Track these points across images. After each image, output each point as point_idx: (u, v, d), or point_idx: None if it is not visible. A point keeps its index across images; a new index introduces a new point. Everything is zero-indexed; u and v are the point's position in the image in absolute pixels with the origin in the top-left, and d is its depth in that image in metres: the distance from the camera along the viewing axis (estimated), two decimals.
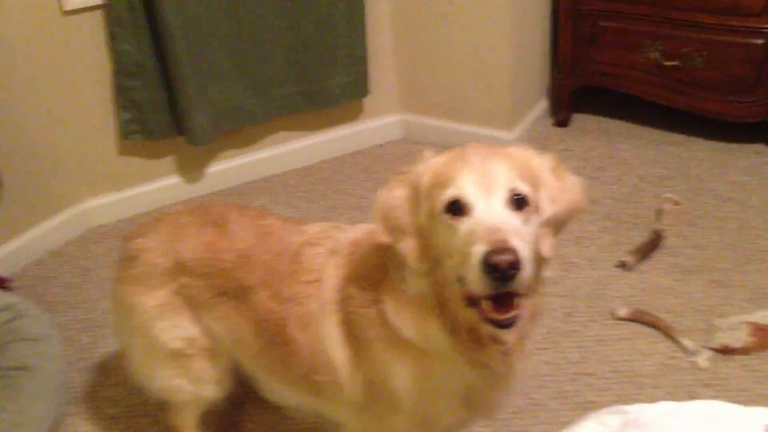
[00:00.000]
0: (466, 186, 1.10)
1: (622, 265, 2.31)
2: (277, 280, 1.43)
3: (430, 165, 1.18)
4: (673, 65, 2.75)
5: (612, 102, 3.18)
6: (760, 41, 2.57)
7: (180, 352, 1.55)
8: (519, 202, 1.11)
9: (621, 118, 3.16)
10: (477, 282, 1.04)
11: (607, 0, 2.82)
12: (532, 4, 2.94)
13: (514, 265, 1.02)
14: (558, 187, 1.19)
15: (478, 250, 1.03)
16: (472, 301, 1.12)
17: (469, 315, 1.17)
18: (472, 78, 2.93)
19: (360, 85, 2.93)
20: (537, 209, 1.14)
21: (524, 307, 1.13)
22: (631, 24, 2.81)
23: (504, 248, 1.02)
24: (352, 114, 3.09)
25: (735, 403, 1.79)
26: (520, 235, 1.08)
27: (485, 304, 1.09)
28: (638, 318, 2.11)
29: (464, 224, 1.09)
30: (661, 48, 2.76)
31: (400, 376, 1.30)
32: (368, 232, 1.40)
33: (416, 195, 1.17)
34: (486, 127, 2.98)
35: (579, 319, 2.14)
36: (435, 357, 1.26)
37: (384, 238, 1.24)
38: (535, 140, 3.06)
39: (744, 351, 1.96)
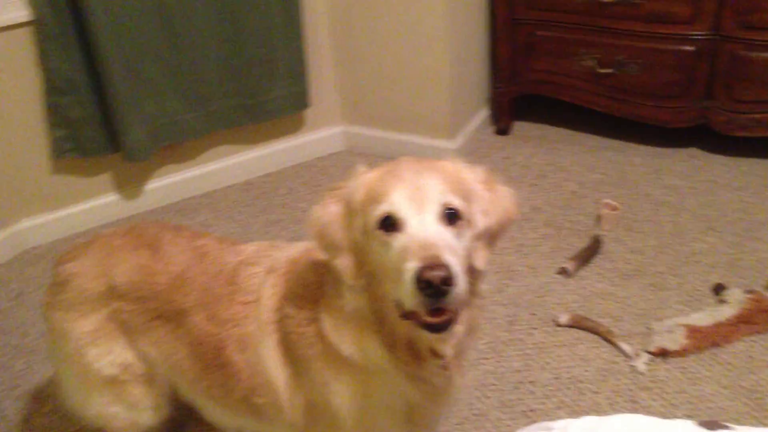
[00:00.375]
0: (398, 202, 1.10)
1: (563, 272, 2.34)
2: (213, 302, 1.40)
3: (362, 180, 1.18)
4: (607, 72, 2.81)
5: (552, 109, 3.23)
6: (689, 48, 2.64)
7: (115, 378, 1.51)
8: (451, 217, 1.11)
9: (561, 125, 3.22)
10: (410, 298, 1.04)
11: (542, 9, 2.86)
12: (469, 14, 2.97)
13: (447, 281, 1.02)
14: (490, 200, 1.19)
15: (411, 266, 1.03)
16: (407, 314, 1.12)
17: (406, 328, 1.16)
18: (412, 88, 2.94)
19: (300, 98, 2.91)
20: (470, 222, 1.14)
21: (459, 315, 1.13)
22: (566, 33, 2.85)
23: (436, 264, 1.02)
24: (293, 127, 3.07)
25: (672, 405, 1.83)
26: (453, 250, 1.08)
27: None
28: (579, 324, 2.13)
29: (397, 240, 1.08)
30: (595, 56, 2.81)
31: (341, 394, 1.28)
32: (305, 250, 1.38)
33: (350, 211, 1.17)
34: (427, 136, 2.99)
35: (521, 327, 2.16)
36: (375, 374, 1.25)
37: (320, 255, 1.22)
38: (476, 149, 3.09)
39: (680, 353, 2.00)
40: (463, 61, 2.99)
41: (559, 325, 2.14)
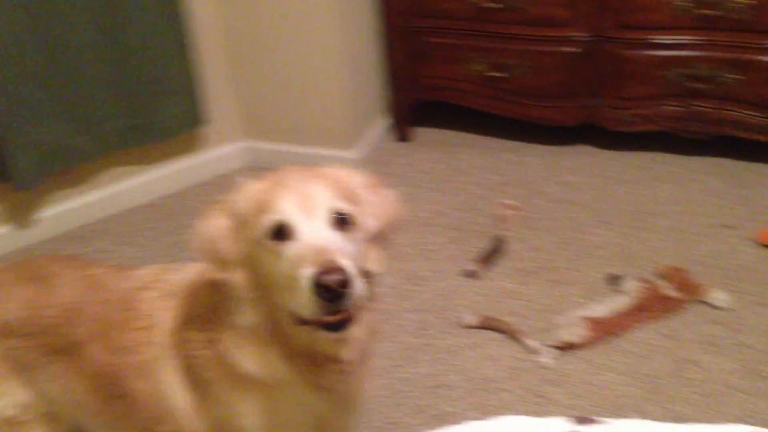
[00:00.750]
0: (287, 210, 1.11)
1: (469, 274, 2.39)
2: (109, 331, 1.36)
3: (249, 192, 1.18)
4: (499, 76, 2.88)
5: (453, 114, 3.28)
6: (573, 49, 2.75)
7: (14, 420, 1.44)
8: (341, 222, 1.13)
9: (462, 129, 3.27)
10: (307, 304, 1.05)
11: (433, 17, 2.91)
12: (362, 23, 2.99)
13: (344, 284, 1.04)
14: (376, 203, 1.22)
15: (307, 272, 1.04)
16: (303, 320, 1.12)
17: (304, 336, 1.17)
18: (310, 101, 2.93)
19: (194, 116, 2.85)
20: (359, 226, 1.16)
21: (357, 314, 1.14)
22: (458, 39, 2.91)
23: (332, 268, 1.04)
24: (192, 145, 3.01)
25: (578, 396, 1.90)
26: (346, 253, 1.09)
27: None
28: (486, 324, 2.18)
29: (289, 248, 1.10)
30: (487, 60, 2.89)
31: (246, 414, 1.27)
32: (201, 271, 1.34)
33: (238, 223, 1.17)
34: (328, 147, 3.00)
35: (431, 332, 2.19)
36: (279, 389, 1.25)
37: (212, 273, 1.21)
38: (378, 157, 3.11)
39: (583, 345, 2.08)
40: (360, 72, 3.00)
41: (467, 327, 2.18)
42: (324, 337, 1.16)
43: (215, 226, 1.18)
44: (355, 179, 1.23)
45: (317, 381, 1.23)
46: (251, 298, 1.17)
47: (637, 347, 2.07)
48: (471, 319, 2.18)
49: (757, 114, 2.64)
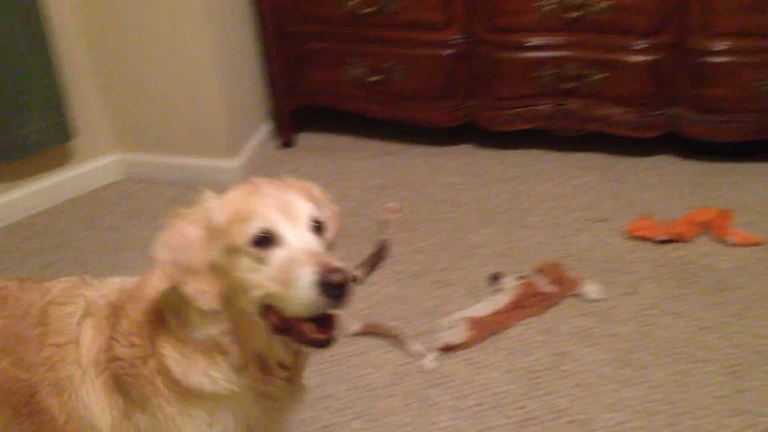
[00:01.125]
0: (273, 218, 1.15)
1: (352, 280, 2.37)
2: (20, 346, 1.33)
3: (225, 202, 1.20)
4: (378, 80, 2.89)
5: (336, 118, 3.27)
6: (448, 52, 2.79)
7: None
8: (317, 228, 1.19)
9: (345, 133, 3.26)
10: (308, 302, 1.09)
11: (309, 22, 2.89)
12: (237, 29, 2.93)
13: (346, 282, 1.09)
14: (332, 211, 1.30)
15: (308, 272, 1.09)
16: (283, 329, 1.16)
17: (260, 343, 1.21)
18: (187, 110, 2.85)
19: (61, 130, 2.71)
20: (327, 232, 1.23)
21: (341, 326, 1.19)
22: (335, 44, 2.90)
23: (334, 268, 1.09)
24: (62, 159, 2.86)
25: (462, 397, 1.91)
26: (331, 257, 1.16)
27: (307, 327, 1.14)
28: (370, 330, 2.17)
29: (277, 254, 1.13)
30: (365, 64, 2.89)
31: (186, 427, 1.26)
32: (122, 289, 1.34)
33: (211, 233, 1.18)
34: (208, 157, 2.92)
35: None
36: (221, 400, 1.25)
37: (170, 282, 1.21)
38: (262, 164, 3.06)
39: (465, 345, 2.10)
40: (237, 78, 2.94)
41: (351, 335, 2.16)
42: (295, 344, 1.20)
43: (185, 236, 1.19)
44: (316, 189, 1.29)
45: (262, 388, 1.26)
46: (214, 307, 1.18)
47: (517, 344, 2.12)
48: (355, 326, 2.17)
49: (623, 110, 2.76)
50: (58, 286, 1.40)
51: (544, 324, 2.18)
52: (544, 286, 2.26)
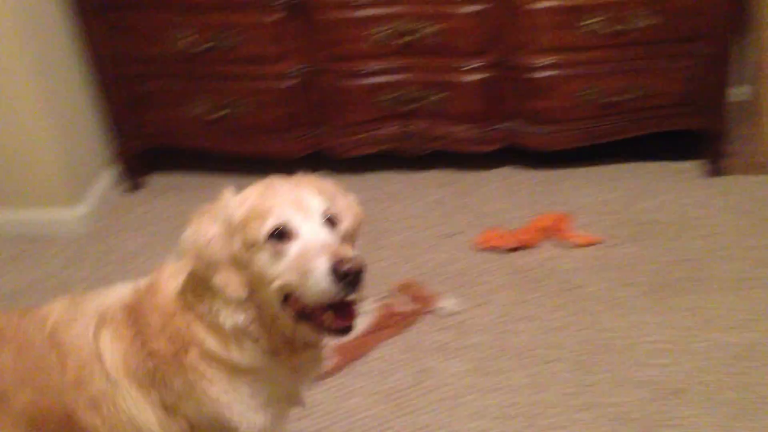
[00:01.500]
0: (286, 213, 1.23)
1: None
2: (40, 374, 1.35)
3: (241, 200, 1.27)
4: (222, 115, 2.87)
5: (188, 157, 3.18)
6: (290, 83, 2.80)
7: None
8: (331, 222, 1.27)
9: (198, 171, 3.17)
10: (325, 291, 1.16)
11: (143, 62, 2.82)
12: (68, 76, 2.83)
13: (361, 270, 1.16)
14: (347, 204, 1.37)
15: (323, 262, 1.16)
16: (305, 316, 1.24)
17: (288, 328, 1.29)
18: (12, 159, 2.74)
19: None
20: (340, 225, 1.30)
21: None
22: (174, 83, 2.85)
23: (347, 257, 1.16)
24: None
25: (331, 424, 1.91)
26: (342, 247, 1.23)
27: (326, 316, 1.22)
28: None
29: (293, 247, 1.21)
30: (207, 101, 2.86)
31: (233, 403, 1.33)
32: (136, 291, 1.37)
33: (230, 229, 1.25)
34: (47, 206, 2.81)
35: None
36: (260, 372, 1.33)
37: (195, 276, 1.28)
38: (111, 209, 2.96)
39: (331, 373, 2.10)
40: (72, 124, 2.83)
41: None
42: (317, 332, 1.28)
43: (207, 232, 1.25)
44: (329, 183, 1.37)
45: (293, 364, 1.35)
46: (241, 296, 1.25)
47: (380, 365, 2.15)
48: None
49: (463, 127, 2.87)
50: (57, 308, 1.42)
51: (405, 343, 2.22)
52: (403, 305, 2.31)
